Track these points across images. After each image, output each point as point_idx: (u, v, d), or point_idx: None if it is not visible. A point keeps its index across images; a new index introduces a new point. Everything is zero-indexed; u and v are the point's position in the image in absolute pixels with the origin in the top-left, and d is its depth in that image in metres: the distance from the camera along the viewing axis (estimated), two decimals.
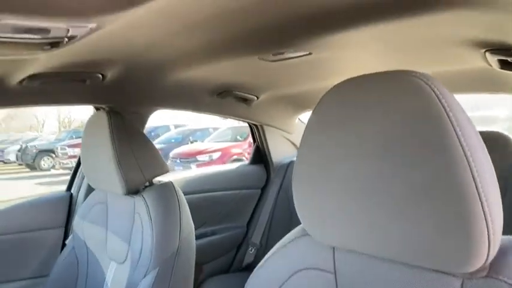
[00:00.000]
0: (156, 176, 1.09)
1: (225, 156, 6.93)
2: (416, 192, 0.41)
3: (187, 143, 8.26)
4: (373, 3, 0.65)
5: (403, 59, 1.03)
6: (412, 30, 0.79)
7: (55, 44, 0.57)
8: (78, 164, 1.48)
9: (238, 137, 7.57)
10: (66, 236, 1.38)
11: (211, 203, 1.74)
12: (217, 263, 1.77)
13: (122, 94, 1.26)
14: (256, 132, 1.93)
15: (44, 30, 0.51)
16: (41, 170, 9.90)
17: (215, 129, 8.70)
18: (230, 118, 1.75)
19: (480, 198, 0.38)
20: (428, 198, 0.41)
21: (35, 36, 0.52)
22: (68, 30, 0.52)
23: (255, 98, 1.60)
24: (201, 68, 1.14)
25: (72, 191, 1.47)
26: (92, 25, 0.54)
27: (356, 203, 0.46)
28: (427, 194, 0.40)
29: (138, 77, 1.17)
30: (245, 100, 1.61)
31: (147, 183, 1.09)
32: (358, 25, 0.76)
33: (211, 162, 6.74)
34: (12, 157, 11.05)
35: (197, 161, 6.84)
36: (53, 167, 10.00)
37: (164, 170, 1.10)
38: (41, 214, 1.35)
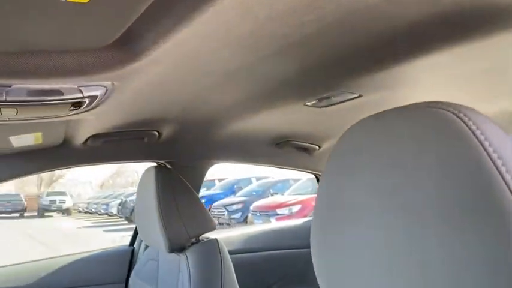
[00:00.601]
0: (201, 234, 1.04)
1: (306, 209, 6.67)
2: (459, 269, 0.28)
3: (268, 196, 8.24)
4: (430, 29, 0.54)
5: (468, 91, 0.86)
6: (482, 54, 0.65)
7: (76, 104, 0.58)
8: None
9: None
10: None
11: (276, 263, 1.60)
12: None
13: (179, 149, 1.29)
14: None
15: (57, 92, 0.52)
16: None
17: (296, 180, 8.58)
18: (292, 170, 1.67)
19: None
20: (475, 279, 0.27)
21: (52, 98, 0.54)
22: (81, 91, 0.53)
23: (317, 147, 1.50)
24: (252, 118, 1.12)
25: (135, 245, 1.50)
26: (106, 83, 0.55)
27: (383, 274, 0.34)
28: (475, 272, 0.27)
29: (193, 133, 1.19)
30: (306, 149, 1.52)
31: (194, 240, 1.04)
32: (414, 57, 0.65)
33: (291, 215, 6.56)
34: (114, 210, 12.38)
35: (277, 214, 6.71)
36: None
37: (210, 228, 1.04)
38: (103, 268, 1.39)
